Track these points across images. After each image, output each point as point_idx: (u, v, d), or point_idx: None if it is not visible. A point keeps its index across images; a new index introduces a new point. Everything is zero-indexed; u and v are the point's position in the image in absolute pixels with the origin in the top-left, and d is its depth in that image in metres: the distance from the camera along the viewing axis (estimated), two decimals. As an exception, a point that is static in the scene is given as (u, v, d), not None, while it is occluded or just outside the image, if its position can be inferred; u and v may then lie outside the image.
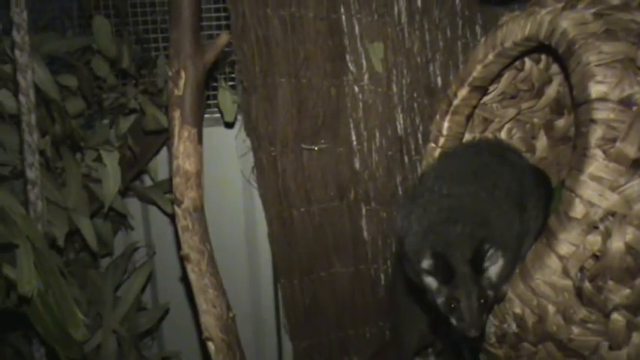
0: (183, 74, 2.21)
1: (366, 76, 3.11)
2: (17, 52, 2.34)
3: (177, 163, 2.24)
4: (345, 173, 3.22)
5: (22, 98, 2.38)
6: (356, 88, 3.13)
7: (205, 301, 2.27)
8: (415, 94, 3.12)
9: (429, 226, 1.94)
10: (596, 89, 1.75)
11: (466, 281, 1.82)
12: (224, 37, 2.30)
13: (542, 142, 2.63)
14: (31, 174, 2.44)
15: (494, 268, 1.84)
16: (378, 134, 3.17)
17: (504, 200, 1.97)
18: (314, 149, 3.18)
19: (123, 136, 3.00)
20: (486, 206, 1.94)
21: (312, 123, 3.15)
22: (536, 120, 2.61)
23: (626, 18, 1.86)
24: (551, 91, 2.56)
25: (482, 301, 1.81)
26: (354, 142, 3.20)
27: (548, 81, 2.54)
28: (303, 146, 3.17)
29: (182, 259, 2.30)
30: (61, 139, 2.69)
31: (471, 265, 1.81)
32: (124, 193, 3.09)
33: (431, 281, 1.88)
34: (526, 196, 2.05)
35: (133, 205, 3.34)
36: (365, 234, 3.32)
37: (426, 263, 1.85)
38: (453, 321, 1.85)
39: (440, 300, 1.87)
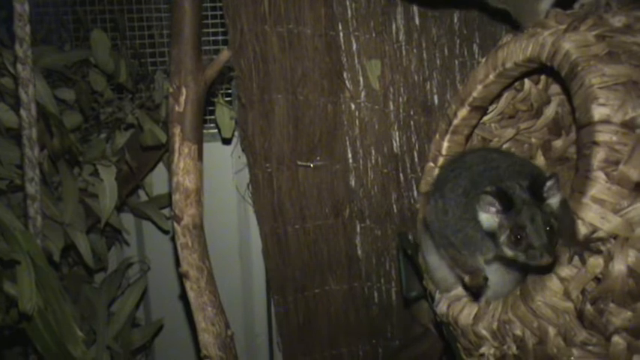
0: (184, 91, 2.20)
1: (362, 94, 3.11)
2: (19, 66, 2.33)
3: (177, 179, 2.23)
4: (341, 190, 3.22)
5: (23, 112, 2.37)
6: (352, 106, 3.13)
7: (204, 319, 2.26)
8: (412, 112, 3.12)
9: (470, 184, 1.97)
10: (598, 112, 1.75)
11: (529, 206, 1.79)
12: (225, 54, 2.30)
13: (539, 162, 2.63)
14: (31, 189, 2.43)
15: (553, 199, 1.81)
16: (373, 152, 3.17)
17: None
18: (310, 166, 3.17)
19: (120, 151, 2.99)
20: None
21: (309, 140, 3.14)
22: (534, 140, 2.62)
23: (629, 40, 1.87)
24: (550, 111, 2.57)
25: (548, 228, 1.77)
26: (350, 160, 3.19)
27: (547, 102, 2.55)
28: (299, 163, 3.17)
29: (180, 276, 2.29)
30: (59, 154, 2.68)
31: (530, 192, 1.80)
32: (119, 208, 3.08)
33: (492, 219, 1.85)
34: None
35: (128, 220, 3.33)
36: (359, 251, 3.31)
37: (485, 201, 1.83)
38: (522, 257, 1.80)
39: (504, 236, 1.83)
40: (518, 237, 1.79)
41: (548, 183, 1.79)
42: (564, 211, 1.80)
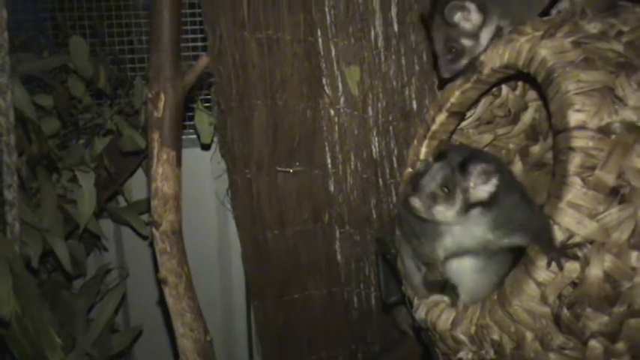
0: (162, 97, 2.21)
1: (341, 99, 3.12)
2: (-3, 73, 2.34)
3: (156, 185, 2.23)
4: (320, 196, 3.22)
5: (1, 119, 2.38)
6: (332, 111, 3.13)
7: (182, 325, 2.26)
8: (390, 118, 3.12)
9: None
10: (575, 117, 1.76)
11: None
12: (204, 60, 2.31)
13: (517, 168, 2.64)
14: (9, 195, 2.43)
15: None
16: (353, 157, 3.17)
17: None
18: (289, 171, 3.18)
19: (98, 157, 2.99)
20: None
21: (288, 145, 3.15)
22: (511, 146, 2.63)
23: (604, 47, 1.88)
24: (527, 117, 2.58)
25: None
26: (329, 165, 3.20)
27: (524, 107, 2.56)
28: (278, 168, 3.17)
29: (159, 282, 2.29)
30: (37, 160, 2.68)
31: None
32: (98, 213, 3.07)
33: None
34: None
35: (106, 226, 3.32)
36: (339, 257, 3.32)
37: None
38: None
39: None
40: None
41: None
42: (540, 217, 1.82)
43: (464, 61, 2.13)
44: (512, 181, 2.06)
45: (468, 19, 2.08)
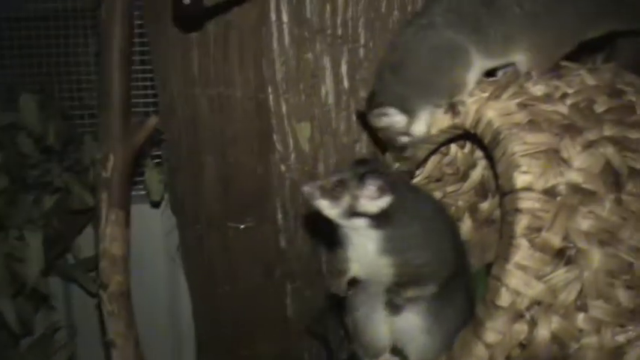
0: (111, 157, 2.21)
1: (292, 156, 3.12)
2: (-55, 131, 2.31)
3: (104, 246, 2.22)
4: (271, 251, 3.21)
5: (-52, 177, 2.35)
6: (282, 167, 3.13)
7: (131, 388, 2.24)
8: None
9: None
10: (521, 179, 1.79)
11: None
12: (153, 120, 2.31)
13: (466, 225, 2.66)
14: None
15: None
16: (304, 213, 3.17)
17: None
18: (240, 227, 3.17)
19: (47, 214, 2.96)
20: None
21: (239, 201, 3.14)
22: (460, 203, 2.65)
23: (549, 109, 1.91)
24: (476, 174, 2.61)
25: None
26: (280, 220, 3.19)
27: (473, 165, 2.59)
28: (229, 224, 3.16)
29: (106, 344, 2.26)
30: (-16, 217, 2.65)
31: None
32: (46, 271, 3.03)
33: None
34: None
35: (55, 283, 3.28)
36: (290, 312, 3.30)
37: None
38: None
39: None
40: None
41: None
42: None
43: (410, 151, 2.19)
44: (427, 222, 2.13)
45: (393, 122, 2.10)
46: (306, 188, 2.05)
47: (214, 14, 2.88)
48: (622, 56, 2.56)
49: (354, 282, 2.23)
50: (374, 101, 2.16)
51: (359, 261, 2.14)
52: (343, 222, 2.06)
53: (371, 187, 1.99)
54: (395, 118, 2.12)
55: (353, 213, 2.02)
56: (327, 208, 2.03)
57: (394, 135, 2.16)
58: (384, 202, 2.00)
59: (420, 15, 2.14)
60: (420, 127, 2.14)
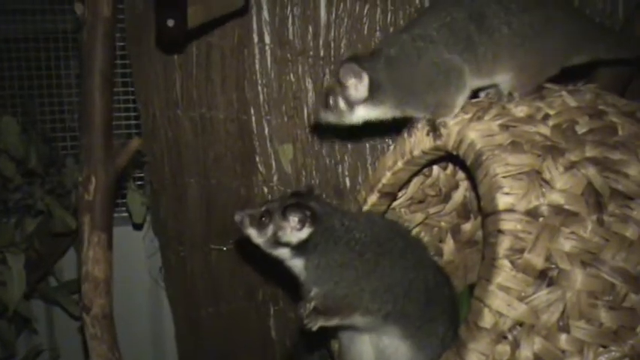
0: (93, 179, 2.19)
1: (275, 177, 3.12)
2: None
3: (87, 269, 2.21)
4: (254, 273, 3.21)
5: None
6: (265, 189, 3.14)
7: (113, 411, 2.22)
8: (324, 195, 3.13)
9: None
10: (503, 200, 1.79)
11: None
12: (135, 142, 2.30)
13: (449, 246, 2.66)
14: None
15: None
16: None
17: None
18: (223, 249, 3.17)
19: (29, 237, 2.95)
20: None
21: (221, 223, 3.14)
22: (443, 224, 2.65)
23: (531, 130, 1.91)
24: (458, 196, 2.61)
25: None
26: (263, 243, 3.19)
27: (455, 186, 2.59)
28: (212, 246, 3.16)
29: (89, 368, 2.25)
30: (-34, 242, 2.64)
31: None
32: (28, 294, 3.02)
33: None
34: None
35: (37, 306, 3.27)
36: (273, 334, 3.30)
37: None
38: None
39: None
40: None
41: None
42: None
43: (332, 117, 2.14)
44: (359, 255, 2.13)
45: (355, 87, 2.08)
46: (237, 216, 2.15)
47: (197, 36, 2.89)
48: (602, 81, 2.58)
49: None
50: (355, 57, 2.12)
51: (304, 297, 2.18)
52: (270, 251, 2.16)
53: (292, 219, 2.07)
54: (360, 87, 2.06)
55: (277, 243, 2.11)
56: (255, 236, 2.15)
57: (340, 95, 2.09)
58: (304, 233, 2.08)
59: (414, 25, 2.12)
60: (362, 113, 2.11)
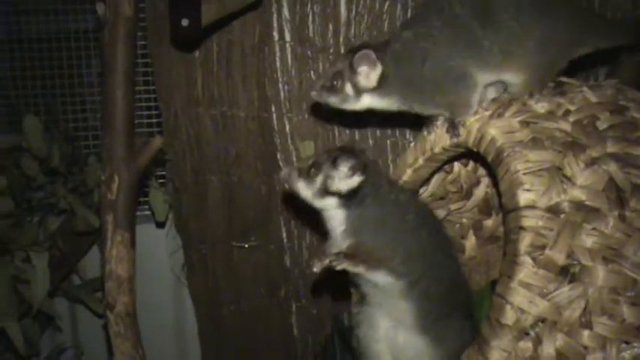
0: (116, 178, 2.21)
1: (296, 174, 3.12)
2: (-51, 155, 2.32)
3: (110, 267, 2.22)
4: (276, 271, 3.21)
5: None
6: (287, 186, 3.13)
7: (137, 408, 2.23)
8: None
9: None
10: (524, 197, 1.79)
11: None
12: (158, 141, 2.31)
13: (470, 242, 2.66)
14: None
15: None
16: (308, 232, 3.18)
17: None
18: (244, 246, 3.17)
19: (52, 236, 2.96)
20: None
21: (243, 220, 3.15)
22: (464, 220, 2.65)
23: (552, 126, 1.91)
24: (480, 192, 2.61)
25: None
26: (285, 240, 3.20)
27: (477, 183, 2.59)
28: (234, 244, 3.17)
29: (114, 362, 2.26)
30: (-11, 241, 2.65)
31: None
32: (52, 293, 3.04)
33: None
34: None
35: (61, 304, 3.29)
36: (295, 331, 3.30)
37: None
38: None
39: None
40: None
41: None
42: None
43: (333, 100, 2.14)
44: (394, 214, 2.15)
45: (367, 75, 2.08)
46: (285, 171, 2.17)
47: (213, 32, 2.89)
48: (624, 73, 2.57)
49: (362, 298, 2.28)
50: (371, 45, 2.12)
51: (332, 246, 2.17)
52: (317, 203, 2.12)
53: (343, 167, 2.05)
54: (371, 75, 2.08)
55: (326, 192, 2.08)
56: (303, 189, 2.11)
57: (348, 80, 2.11)
58: (354, 181, 2.06)
59: (416, 21, 2.14)
60: (367, 101, 2.13)
